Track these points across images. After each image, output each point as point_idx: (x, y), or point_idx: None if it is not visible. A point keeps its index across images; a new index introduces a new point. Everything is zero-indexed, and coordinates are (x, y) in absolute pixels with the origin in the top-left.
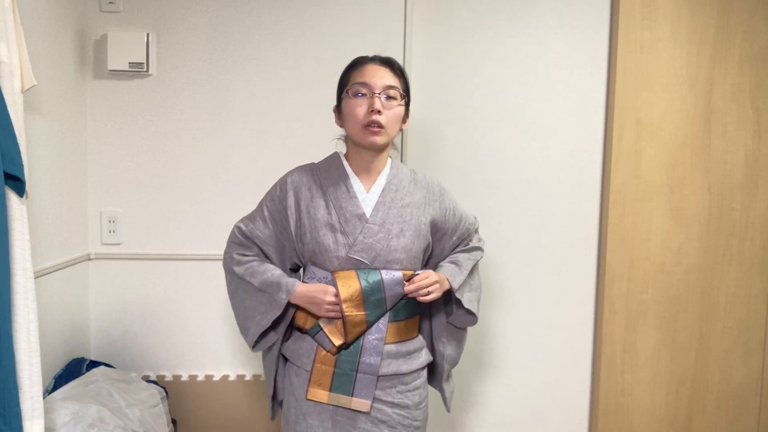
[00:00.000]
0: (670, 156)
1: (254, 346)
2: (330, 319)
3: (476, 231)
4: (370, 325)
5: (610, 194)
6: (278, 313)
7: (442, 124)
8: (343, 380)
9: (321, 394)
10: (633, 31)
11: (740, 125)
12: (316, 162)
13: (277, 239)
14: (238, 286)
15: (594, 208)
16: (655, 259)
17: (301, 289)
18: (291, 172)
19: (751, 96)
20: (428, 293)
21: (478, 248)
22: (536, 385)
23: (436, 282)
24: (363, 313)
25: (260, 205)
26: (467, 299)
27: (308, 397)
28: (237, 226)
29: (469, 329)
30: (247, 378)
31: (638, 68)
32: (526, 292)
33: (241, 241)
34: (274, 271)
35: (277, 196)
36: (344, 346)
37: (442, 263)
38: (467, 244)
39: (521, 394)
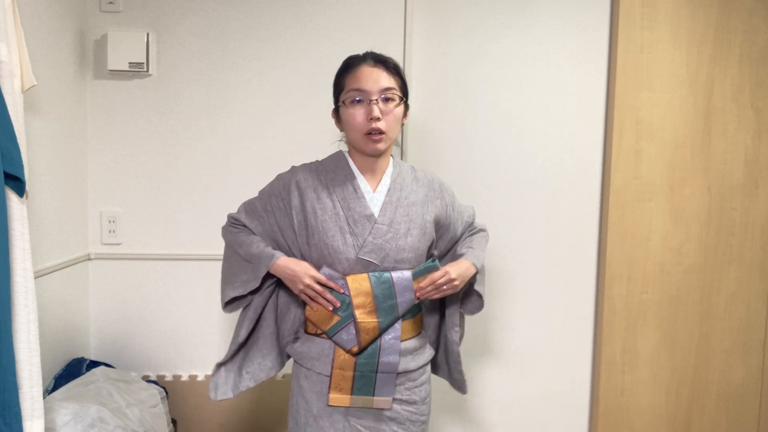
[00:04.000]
0: (670, 156)
1: (225, 306)
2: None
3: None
4: (382, 331)
5: (610, 194)
6: (256, 285)
7: (441, 123)
8: (364, 382)
9: (343, 399)
10: (633, 31)
11: (740, 125)
12: (320, 160)
13: (269, 233)
14: (227, 252)
15: (594, 208)
16: (655, 259)
17: (283, 261)
18: (295, 171)
19: (751, 96)
20: (445, 290)
21: (483, 230)
22: (536, 385)
23: (454, 280)
24: (376, 320)
25: (260, 196)
26: (481, 287)
27: (330, 403)
28: (238, 210)
29: (469, 330)
30: None
31: (638, 68)
32: (526, 291)
33: (234, 222)
34: (259, 244)
35: (278, 192)
36: (360, 350)
37: (460, 250)
38: (471, 231)
39: (521, 394)
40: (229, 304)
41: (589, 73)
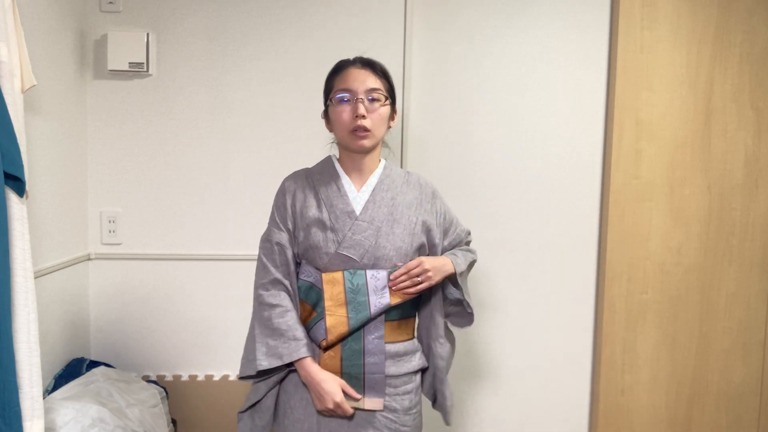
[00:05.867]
0: (670, 156)
1: (241, 377)
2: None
3: (468, 243)
4: (352, 330)
5: (610, 194)
6: (251, 372)
7: (441, 123)
8: (353, 384)
9: None
10: (633, 31)
11: (740, 125)
12: (310, 167)
13: (291, 243)
14: (252, 317)
15: (594, 208)
16: (655, 259)
17: (314, 370)
18: (287, 178)
19: (751, 96)
20: (419, 282)
21: (473, 251)
22: (536, 386)
23: (428, 271)
24: (345, 314)
25: (271, 217)
26: (467, 297)
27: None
28: (260, 247)
29: (469, 330)
30: None
31: (638, 68)
32: (526, 292)
33: (264, 263)
34: (280, 335)
35: (281, 203)
36: (328, 345)
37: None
38: (461, 249)
39: (521, 394)
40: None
41: (589, 73)
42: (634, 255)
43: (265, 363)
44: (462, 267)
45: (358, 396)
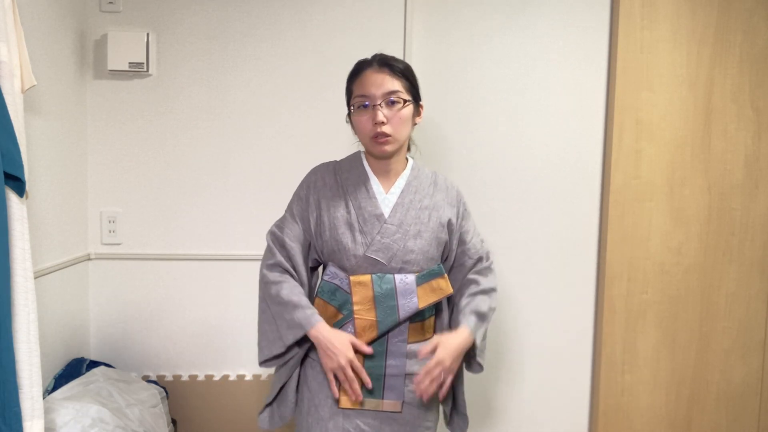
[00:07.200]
0: (670, 156)
1: (262, 363)
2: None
3: (487, 257)
4: (381, 333)
5: (610, 194)
6: (280, 350)
7: (441, 123)
8: (373, 386)
9: (353, 402)
10: (633, 31)
11: (740, 125)
12: (338, 160)
13: (305, 237)
14: (260, 301)
15: (594, 208)
16: (655, 259)
17: (324, 332)
18: (314, 170)
19: (751, 96)
20: (443, 377)
21: (494, 289)
22: (536, 386)
23: (447, 367)
24: (374, 318)
25: (289, 206)
26: (481, 355)
27: (341, 406)
28: (270, 231)
29: None
30: (247, 378)
31: (638, 68)
32: (526, 292)
33: (270, 247)
34: (296, 305)
35: (303, 194)
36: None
37: (463, 312)
38: (483, 272)
39: (521, 394)
40: (266, 362)
41: (589, 73)
42: (634, 255)
43: (290, 337)
44: (481, 335)
45: (369, 350)
